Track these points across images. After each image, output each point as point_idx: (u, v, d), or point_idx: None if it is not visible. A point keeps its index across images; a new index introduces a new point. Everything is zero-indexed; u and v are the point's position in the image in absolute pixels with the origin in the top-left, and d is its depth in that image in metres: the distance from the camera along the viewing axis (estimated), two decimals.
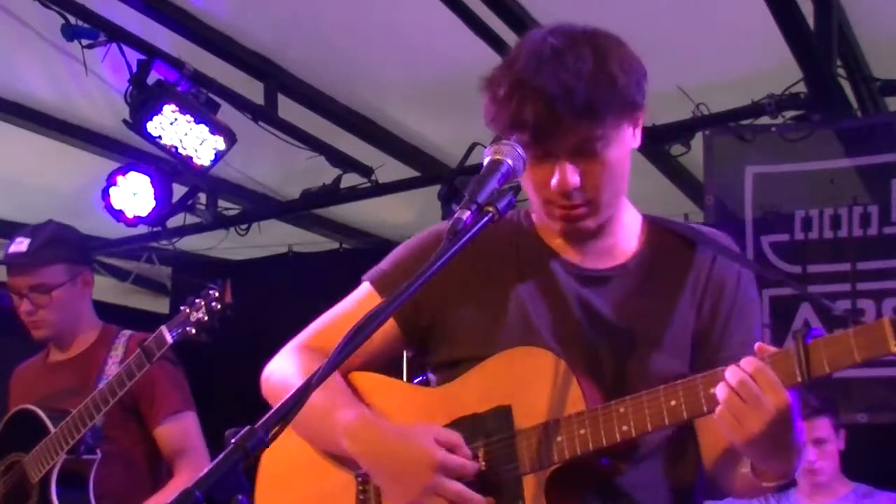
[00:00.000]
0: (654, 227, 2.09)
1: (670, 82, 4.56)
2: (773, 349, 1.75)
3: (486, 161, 1.79)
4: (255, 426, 1.44)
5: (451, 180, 5.40)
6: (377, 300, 2.06)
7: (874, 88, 4.75)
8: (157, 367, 3.42)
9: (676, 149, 5.03)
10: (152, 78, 4.71)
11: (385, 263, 2.15)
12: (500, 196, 1.73)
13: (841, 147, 4.86)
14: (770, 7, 4.00)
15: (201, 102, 4.86)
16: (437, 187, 5.45)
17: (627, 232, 2.06)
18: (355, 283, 2.19)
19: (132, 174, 5.46)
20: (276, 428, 1.44)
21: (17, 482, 3.55)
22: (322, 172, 5.68)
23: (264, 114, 5.05)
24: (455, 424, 1.97)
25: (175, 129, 4.81)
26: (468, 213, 1.69)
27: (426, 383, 2.18)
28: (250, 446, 1.41)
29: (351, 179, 5.77)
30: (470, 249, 1.70)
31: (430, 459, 1.87)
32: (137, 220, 5.57)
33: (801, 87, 4.54)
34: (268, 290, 6.40)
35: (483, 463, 1.92)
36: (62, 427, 3.43)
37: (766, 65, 4.52)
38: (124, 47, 4.56)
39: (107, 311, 4.04)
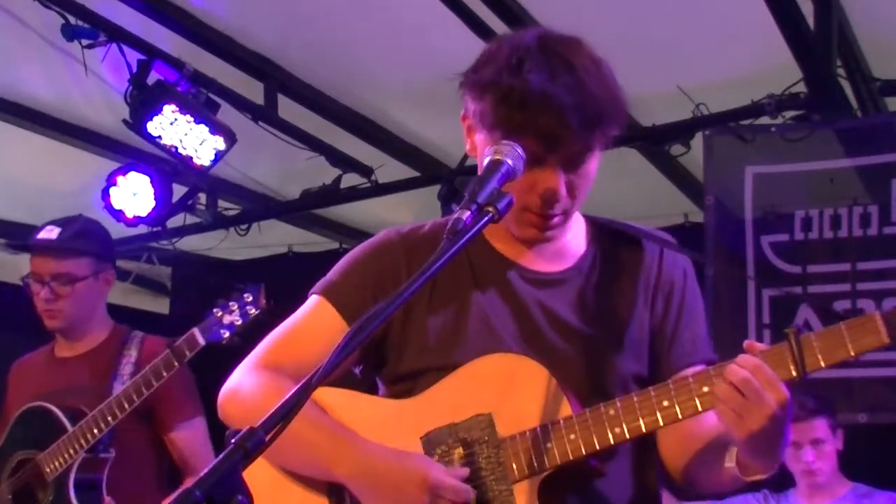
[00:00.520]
0: (599, 228, 2.12)
1: (670, 82, 4.56)
2: (763, 346, 1.77)
3: (485, 161, 1.79)
4: (255, 426, 1.44)
5: (451, 180, 5.40)
6: (329, 311, 2.04)
7: (874, 88, 4.75)
8: (175, 372, 3.42)
9: (676, 149, 5.03)
10: (152, 78, 4.71)
11: (333, 274, 2.11)
12: (499, 196, 1.74)
13: (841, 147, 4.86)
14: (770, 7, 4.00)
15: (201, 102, 4.86)
16: (437, 187, 5.46)
17: (575, 233, 2.08)
18: None
19: (132, 174, 5.46)
20: (277, 428, 1.44)
21: (30, 479, 3.54)
22: (322, 172, 5.68)
23: (264, 114, 5.05)
24: (430, 435, 1.95)
25: (175, 129, 4.81)
26: (468, 213, 1.69)
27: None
28: (250, 446, 1.41)
29: (351, 179, 5.77)
30: (420, 261, 1.69)
31: (424, 480, 1.86)
32: (137, 220, 5.57)
33: (801, 87, 4.54)
34: (268, 290, 6.39)
35: (471, 472, 1.91)
36: (81, 426, 3.42)
37: (766, 65, 4.51)
38: (124, 47, 4.56)
39: (107, 311, 4.04)
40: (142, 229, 5.98)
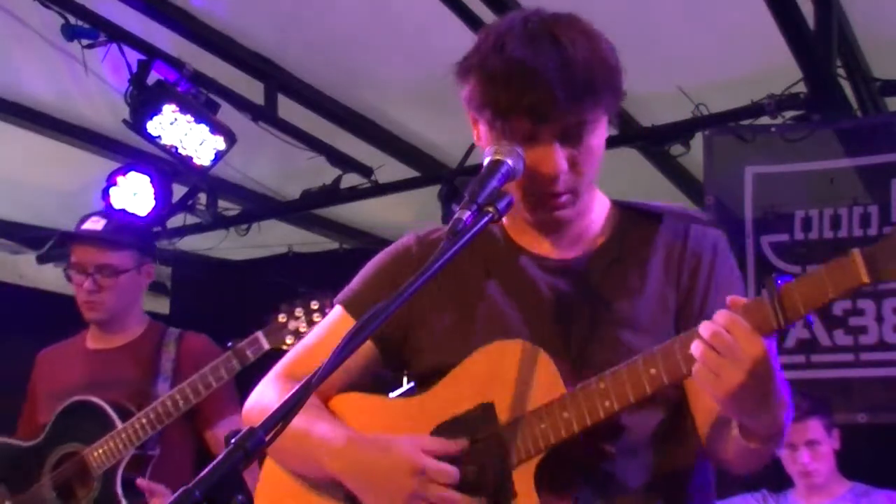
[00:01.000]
0: (622, 210, 2.07)
1: (670, 82, 4.56)
2: (745, 300, 1.70)
3: (485, 161, 1.80)
4: (255, 427, 1.44)
5: (451, 180, 5.41)
6: (345, 320, 2.06)
7: (874, 88, 4.75)
8: None
9: (676, 149, 5.03)
10: (152, 78, 4.71)
11: (353, 282, 2.12)
12: (500, 196, 1.74)
13: (841, 147, 4.85)
14: (770, 7, 4.01)
15: (201, 102, 4.86)
16: (437, 187, 5.46)
17: (594, 217, 2.04)
18: None
19: (132, 174, 5.46)
20: (276, 429, 1.45)
21: (75, 473, 3.53)
22: (322, 172, 5.68)
23: (264, 114, 5.05)
24: (439, 430, 1.95)
25: (175, 129, 4.81)
26: (468, 213, 1.69)
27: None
28: (250, 446, 1.41)
29: (351, 179, 5.77)
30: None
31: (410, 466, 1.85)
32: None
33: (801, 87, 4.54)
34: (268, 290, 6.40)
35: (472, 463, 1.90)
36: (132, 422, 3.42)
37: (766, 65, 4.52)
38: (124, 47, 4.56)
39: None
40: None
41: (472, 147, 5.11)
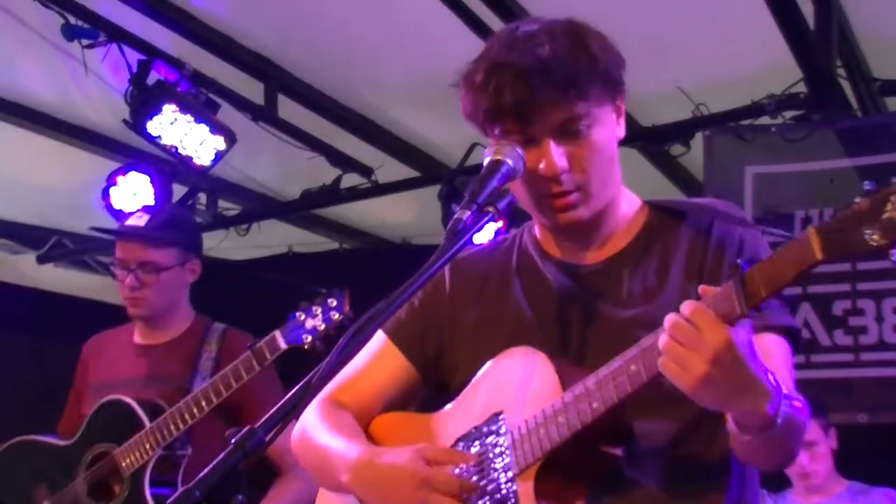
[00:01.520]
0: (651, 210, 2.04)
1: (670, 82, 4.56)
2: (715, 289, 1.65)
3: (486, 161, 1.80)
4: (255, 426, 1.45)
5: (451, 180, 5.41)
6: (392, 350, 2.09)
7: (874, 88, 4.75)
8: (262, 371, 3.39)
9: (676, 149, 5.03)
10: (152, 78, 4.71)
11: (401, 312, 2.10)
12: (500, 196, 1.74)
13: (841, 147, 4.86)
14: (770, 7, 4.01)
15: (201, 102, 4.86)
16: (437, 187, 5.46)
17: (621, 220, 2.01)
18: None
19: (132, 174, 5.46)
20: (277, 428, 1.45)
21: (107, 473, 3.51)
22: (322, 172, 5.68)
23: (264, 114, 5.06)
24: (458, 442, 1.97)
25: (175, 129, 4.81)
26: (468, 213, 1.69)
27: None
28: (250, 446, 1.42)
29: (351, 179, 5.77)
30: (468, 271, 1.67)
31: (416, 477, 1.85)
32: None
33: (801, 87, 4.54)
34: (268, 290, 6.40)
35: (482, 472, 1.90)
36: (158, 422, 3.39)
37: (766, 65, 4.52)
38: (124, 47, 4.56)
39: (107, 311, 4.03)
40: None
41: (472, 147, 5.12)
